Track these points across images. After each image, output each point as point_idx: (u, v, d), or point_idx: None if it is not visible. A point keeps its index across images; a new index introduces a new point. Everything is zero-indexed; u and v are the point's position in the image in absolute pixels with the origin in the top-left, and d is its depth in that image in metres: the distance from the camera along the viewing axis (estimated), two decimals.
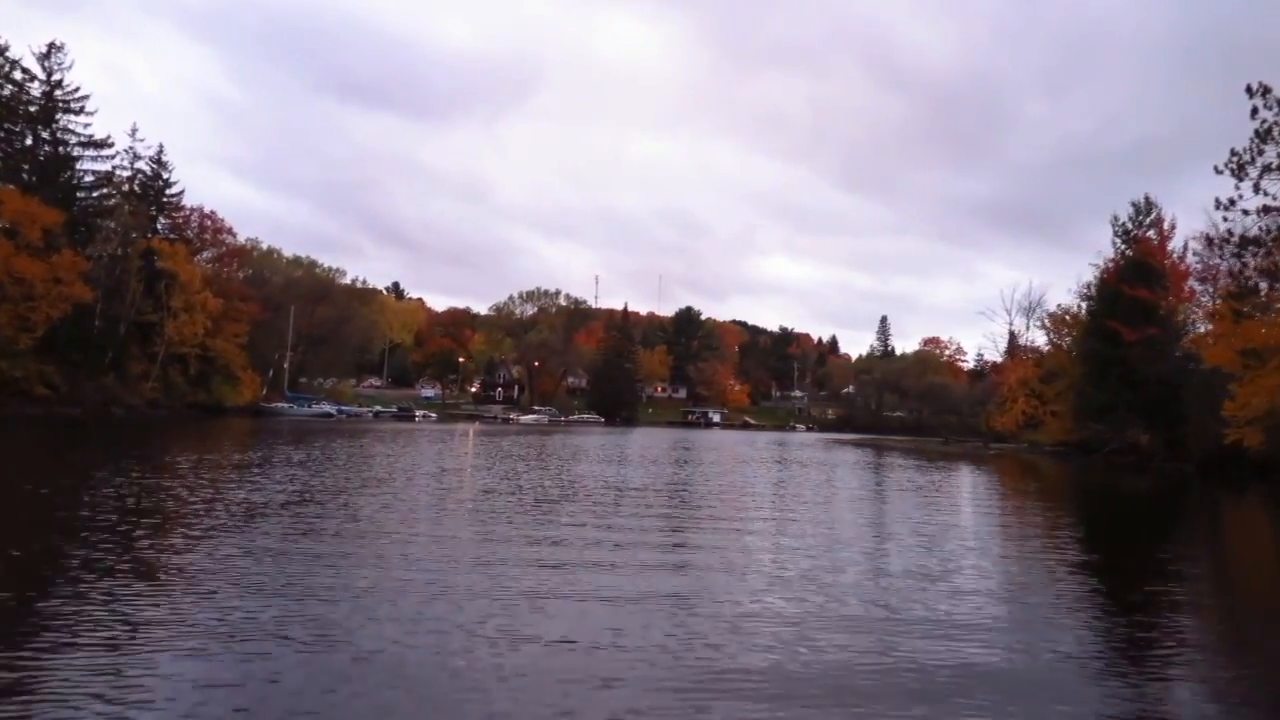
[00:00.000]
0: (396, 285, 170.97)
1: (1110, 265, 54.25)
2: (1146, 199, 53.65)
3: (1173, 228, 51.03)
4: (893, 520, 17.20)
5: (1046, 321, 71.67)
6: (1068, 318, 64.63)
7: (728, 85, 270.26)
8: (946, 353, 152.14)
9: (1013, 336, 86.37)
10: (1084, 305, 61.31)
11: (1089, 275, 62.34)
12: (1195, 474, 37.85)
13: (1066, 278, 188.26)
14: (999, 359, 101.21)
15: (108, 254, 65.12)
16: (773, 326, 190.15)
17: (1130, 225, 54.01)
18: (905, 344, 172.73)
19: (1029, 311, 76.57)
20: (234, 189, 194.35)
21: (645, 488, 21.31)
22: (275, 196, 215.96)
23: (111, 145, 66.02)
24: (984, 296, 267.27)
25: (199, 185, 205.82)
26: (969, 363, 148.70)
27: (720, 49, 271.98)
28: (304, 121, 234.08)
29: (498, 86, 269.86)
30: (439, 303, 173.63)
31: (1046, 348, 72.74)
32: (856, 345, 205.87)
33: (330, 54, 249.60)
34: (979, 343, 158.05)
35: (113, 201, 66.94)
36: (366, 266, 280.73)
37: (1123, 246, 54.13)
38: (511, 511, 15.56)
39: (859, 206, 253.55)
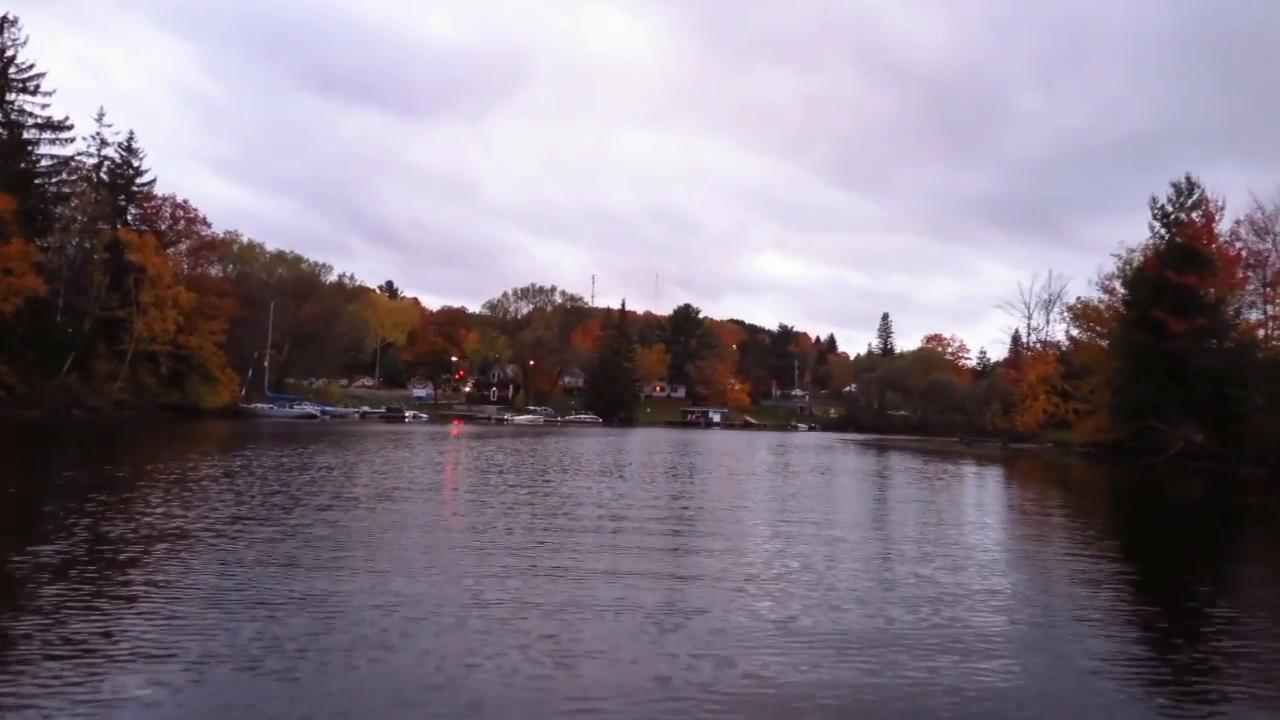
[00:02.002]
0: (390, 284, 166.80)
1: (1149, 251, 50.26)
2: (1188, 179, 49.54)
3: (1220, 209, 47.03)
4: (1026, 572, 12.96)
5: (1068, 314, 67.96)
6: (1095, 307, 60.67)
7: (716, 80, 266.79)
8: (949, 350, 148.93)
9: (1017, 333, 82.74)
10: (1111, 297, 57.61)
11: (1109, 265, 58.73)
12: (1271, 478, 33.81)
13: (1066, 273, 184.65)
14: (1008, 355, 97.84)
15: (71, 245, 60.87)
16: (768, 325, 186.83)
17: (1170, 208, 49.95)
18: (901, 342, 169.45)
19: (1048, 305, 72.66)
20: (219, 187, 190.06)
21: (652, 517, 15.77)
22: (262, 195, 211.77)
23: (71, 128, 61.66)
24: (979, 294, 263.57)
25: (183, 183, 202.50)
26: (971, 360, 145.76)
27: (708, 43, 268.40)
28: (287, 118, 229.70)
29: (483, 82, 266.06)
30: (434, 302, 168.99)
31: (1066, 343, 69.00)
32: (853, 344, 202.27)
33: (311, 49, 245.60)
34: (994, 336, 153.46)
35: (73, 188, 62.46)
36: (359, 266, 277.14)
37: (1162, 231, 50.10)
38: (458, 574, 9.34)
39: (851, 203, 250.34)
